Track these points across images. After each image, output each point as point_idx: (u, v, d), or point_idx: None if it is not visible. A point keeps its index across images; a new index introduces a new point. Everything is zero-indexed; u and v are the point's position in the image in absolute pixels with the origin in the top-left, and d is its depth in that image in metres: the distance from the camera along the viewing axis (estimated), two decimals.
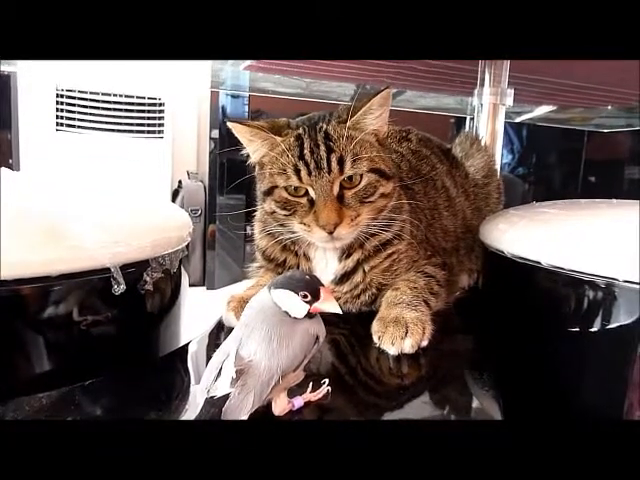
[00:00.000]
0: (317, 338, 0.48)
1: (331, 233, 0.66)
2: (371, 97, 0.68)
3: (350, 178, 0.68)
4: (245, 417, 0.42)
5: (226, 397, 0.42)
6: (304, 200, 0.68)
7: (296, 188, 0.68)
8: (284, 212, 0.70)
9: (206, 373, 0.45)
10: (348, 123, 0.68)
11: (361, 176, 0.68)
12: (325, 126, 0.69)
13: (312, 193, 0.67)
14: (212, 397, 0.43)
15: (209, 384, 0.44)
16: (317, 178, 0.66)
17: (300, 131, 0.69)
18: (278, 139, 0.69)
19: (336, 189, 0.67)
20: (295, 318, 0.47)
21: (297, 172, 0.67)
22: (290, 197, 0.69)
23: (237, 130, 0.70)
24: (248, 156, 0.73)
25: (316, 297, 0.47)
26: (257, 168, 0.74)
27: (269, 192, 0.71)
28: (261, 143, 0.70)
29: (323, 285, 0.49)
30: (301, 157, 0.67)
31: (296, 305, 0.47)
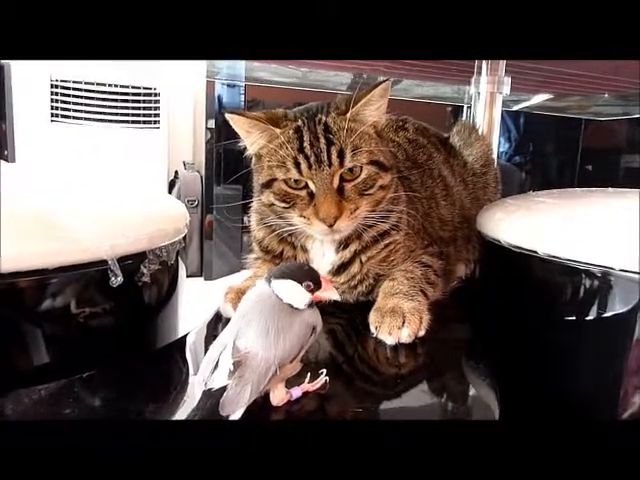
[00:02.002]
0: (314, 328, 0.48)
1: (331, 226, 0.66)
2: (371, 89, 0.68)
3: (350, 170, 0.67)
4: (243, 408, 0.42)
5: (223, 389, 0.42)
6: (303, 193, 0.67)
7: (296, 181, 0.67)
8: (283, 205, 0.69)
9: (203, 365, 0.45)
10: (348, 115, 0.68)
11: (361, 168, 0.68)
12: (324, 118, 0.68)
13: (312, 186, 0.66)
14: (209, 389, 0.43)
15: (206, 376, 0.44)
16: (317, 171, 0.66)
17: (299, 123, 0.68)
18: (277, 131, 0.68)
19: (336, 182, 0.67)
20: (295, 309, 0.47)
21: (297, 165, 0.66)
22: (289, 190, 0.68)
23: (234, 121, 0.69)
24: (245, 148, 0.73)
25: (318, 286, 0.48)
26: (254, 160, 0.73)
27: (268, 185, 0.70)
28: (259, 135, 0.69)
29: (320, 274, 0.49)
30: (301, 150, 0.66)
31: (299, 295, 0.47)
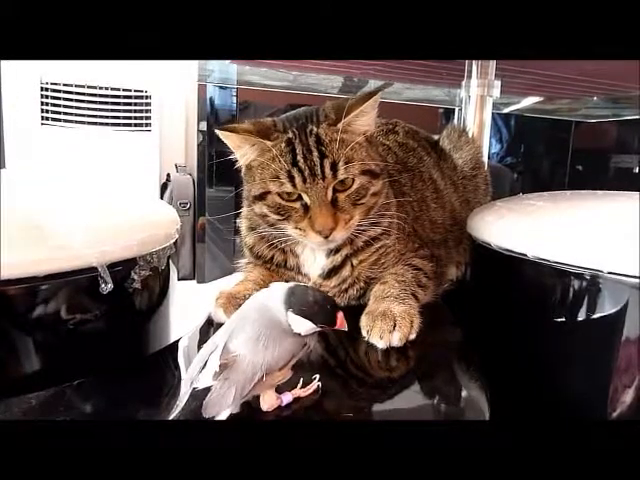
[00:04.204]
0: (306, 344, 0.48)
1: (326, 237, 0.66)
2: (364, 100, 0.67)
3: (342, 182, 0.67)
4: (226, 411, 0.42)
5: (209, 390, 0.42)
6: (297, 205, 0.67)
7: (288, 193, 0.67)
8: (277, 217, 0.69)
9: (193, 364, 0.45)
10: (340, 126, 0.67)
11: (353, 179, 0.68)
12: (315, 129, 0.67)
13: (306, 199, 0.66)
14: (194, 389, 0.43)
15: (194, 375, 0.44)
16: (311, 185, 0.65)
17: (290, 135, 0.67)
18: (268, 144, 0.67)
19: (330, 194, 0.66)
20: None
21: (291, 179, 0.66)
22: (283, 202, 0.67)
23: (224, 136, 0.68)
24: (236, 160, 0.72)
25: (333, 325, 0.47)
26: (244, 170, 0.72)
27: (261, 197, 0.69)
28: (249, 148, 0.69)
29: (339, 309, 0.48)
30: (294, 164, 0.66)
31: (309, 330, 0.46)
